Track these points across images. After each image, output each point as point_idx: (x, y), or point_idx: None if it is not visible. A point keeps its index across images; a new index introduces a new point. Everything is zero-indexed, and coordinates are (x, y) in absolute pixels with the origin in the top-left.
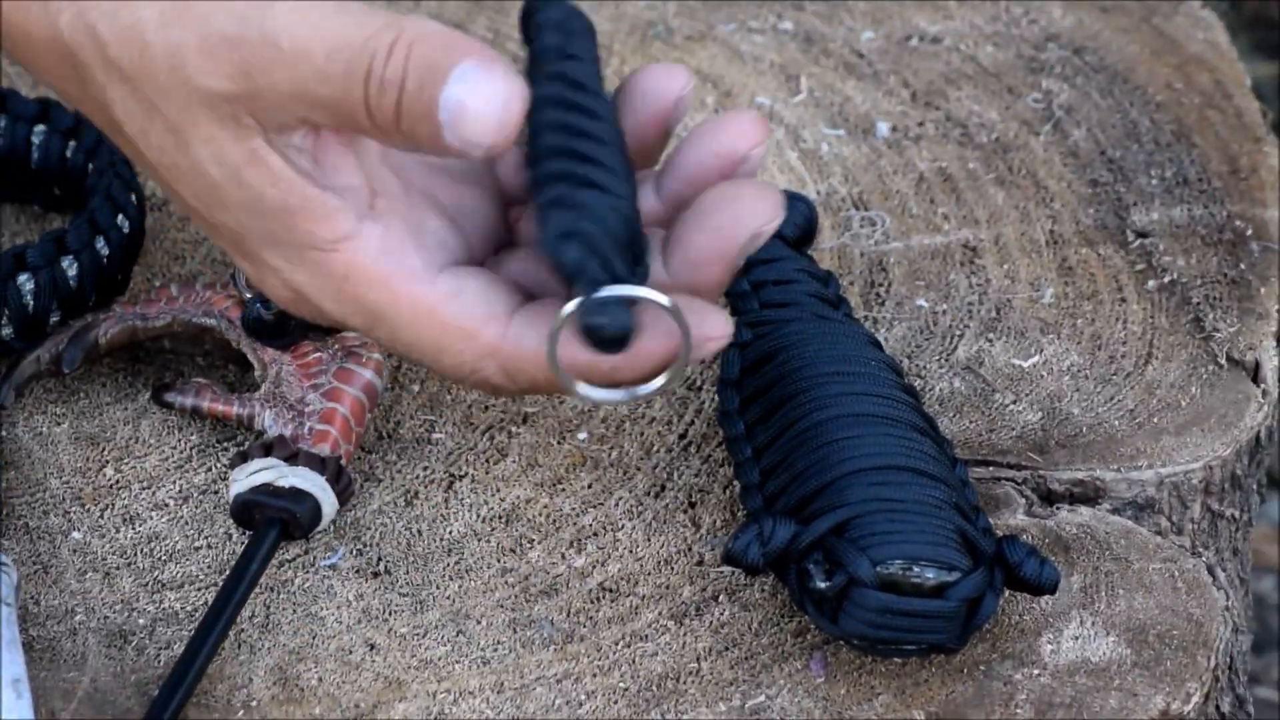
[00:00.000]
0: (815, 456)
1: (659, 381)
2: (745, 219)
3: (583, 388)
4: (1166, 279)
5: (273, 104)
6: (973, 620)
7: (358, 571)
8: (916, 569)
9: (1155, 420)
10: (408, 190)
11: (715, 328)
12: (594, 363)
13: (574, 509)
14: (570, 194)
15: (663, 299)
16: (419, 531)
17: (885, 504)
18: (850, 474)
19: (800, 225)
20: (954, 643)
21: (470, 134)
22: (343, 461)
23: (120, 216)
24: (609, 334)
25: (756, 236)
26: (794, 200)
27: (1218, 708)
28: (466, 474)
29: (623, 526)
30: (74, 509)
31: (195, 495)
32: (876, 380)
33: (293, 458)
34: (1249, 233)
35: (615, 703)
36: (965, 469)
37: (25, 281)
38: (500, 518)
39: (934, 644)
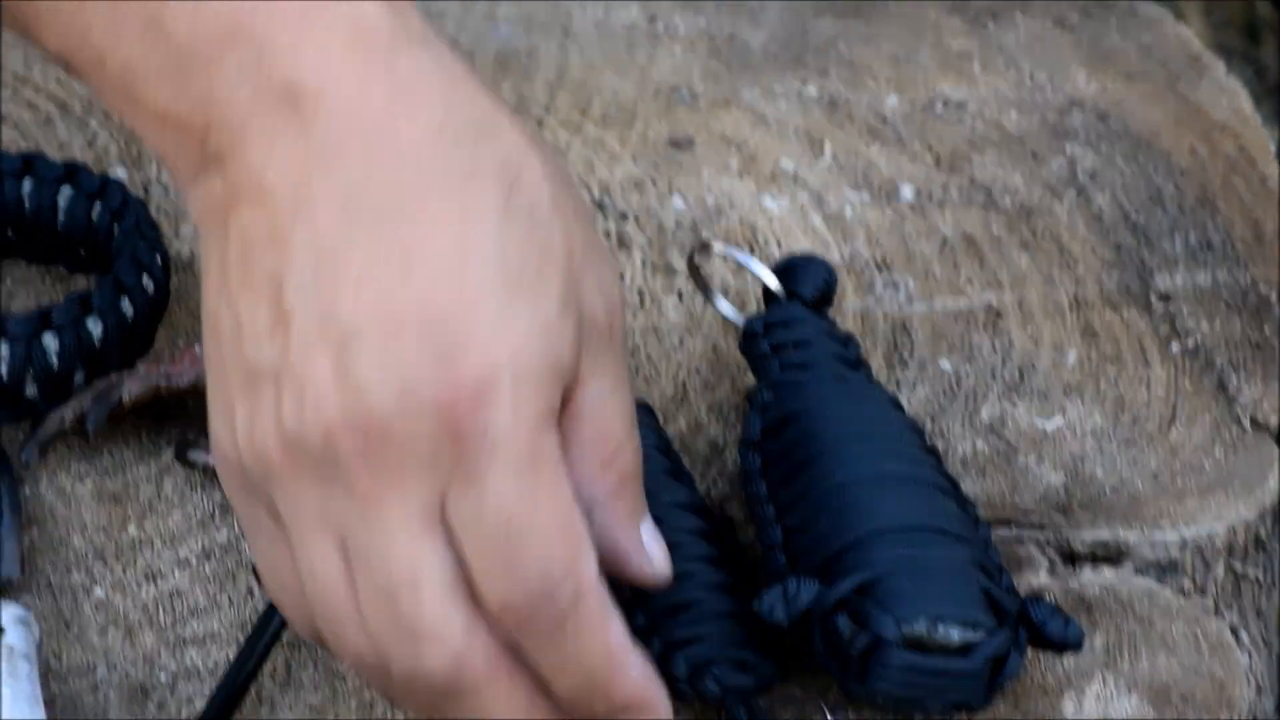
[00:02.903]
0: (838, 517)
1: None
2: None
3: None
4: (1190, 343)
5: None
6: (997, 679)
7: None
8: (942, 628)
9: (1179, 482)
10: None
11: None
12: None
13: None
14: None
15: None
16: None
17: (909, 564)
18: (874, 534)
19: (819, 287)
20: (978, 701)
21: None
22: None
23: (145, 277)
24: None
25: None
26: (812, 262)
27: None
28: None
29: None
30: (96, 566)
31: (217, 553)
32: (899, 441)
33: None
34: (1273, 297)
35: None
36: (988, 529)
37: (50, 341)
38: None
39: (958, 702)
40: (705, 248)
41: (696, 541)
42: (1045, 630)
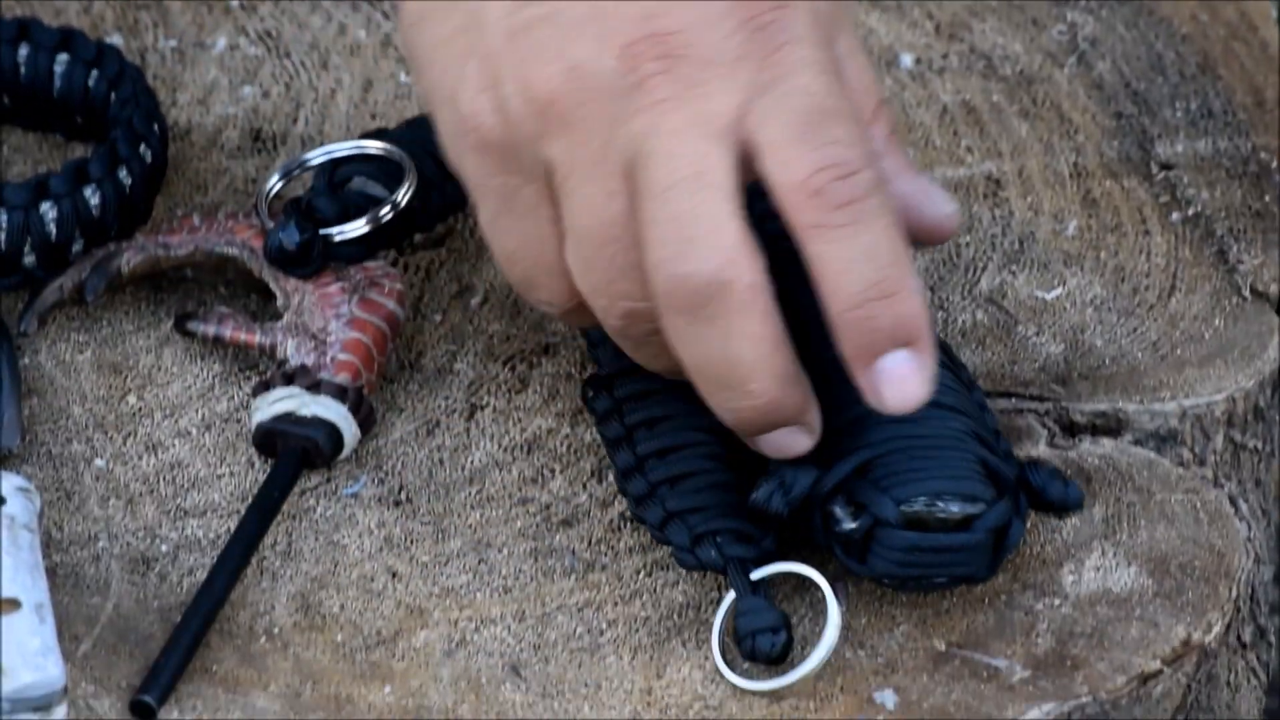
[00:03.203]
0: (830, 397)
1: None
2: None
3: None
4: (1190, 211)
5: None
6: (1001, 549)
7: (379, 500)
8: (940, 504)
9: (1178, 352)
10: None
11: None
12: None
13: (595, 439)
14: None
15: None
16: (440, 461)
17: (905, 441)
18: (867, 413)
19: None
20: (983, 573)
21: None
22: (364, 391)
23: (142, 146)
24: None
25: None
26: None
27: (1239, 638)
28: (488, 404)
29: None
30: (96, 436)
31: (218, 423)
32: None
33: (315, 387)
34: (1273, 165)
35: (636, 631)
36: (981, 393)
37: (48, 210)
38: (521, 447)
39: (964, 576)
40: None
41: (698, 413)
42: (1045, 494)
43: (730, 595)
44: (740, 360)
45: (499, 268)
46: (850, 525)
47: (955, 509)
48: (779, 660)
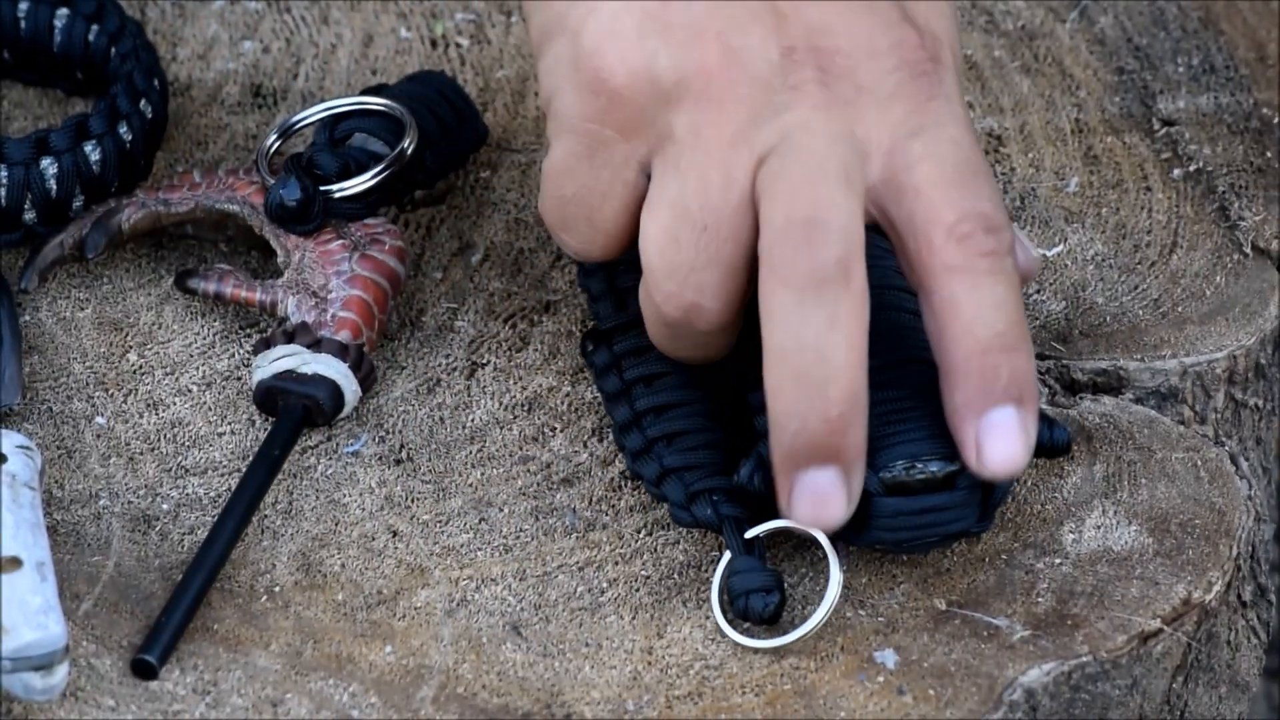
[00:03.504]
0: None
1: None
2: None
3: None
4: (1192, 167)
5: None
6: (991, 499)
7: (380, 459)
8: (920, 465)
9: (1179, 309)
10: None
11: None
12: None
13: (596, 397)
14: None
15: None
16: (441, 419)
17: (879, 406)
18: None
19: None
20: (976, 526)
21: None
22: (365, 349)
23: (143, 102)
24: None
25: None
26: None
27: (1239, 596)
28: (489, 362)
29: None
30: (97, 394)
31: (218, 381)
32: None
33: (315, 345)
34: (1275, 121)
35: (637, 590)
36: None
37: (48, 166)
38: (522, 406)
39: (960, 532)
40: None
41: (696, 371)
42: None
43: (728, 554)
44: (831, 356)
45: (541, 199)
46: None
47: (935, 468)
48: (772, 621)
